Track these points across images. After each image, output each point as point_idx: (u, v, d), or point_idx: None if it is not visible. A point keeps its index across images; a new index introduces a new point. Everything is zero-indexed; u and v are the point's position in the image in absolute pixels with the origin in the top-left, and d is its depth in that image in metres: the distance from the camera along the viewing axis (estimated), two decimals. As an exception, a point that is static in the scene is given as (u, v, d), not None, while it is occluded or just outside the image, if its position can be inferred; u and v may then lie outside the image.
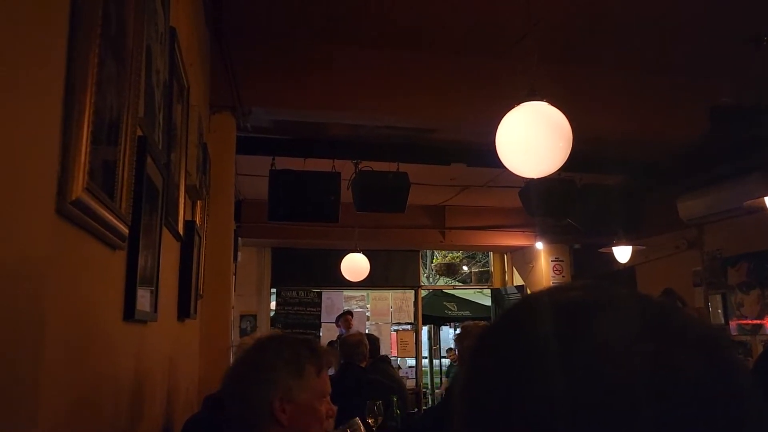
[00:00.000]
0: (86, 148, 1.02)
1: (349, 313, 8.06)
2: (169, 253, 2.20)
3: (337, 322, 8.10)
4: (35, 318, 0.90)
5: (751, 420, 0.40)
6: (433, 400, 9.77)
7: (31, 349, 0.88)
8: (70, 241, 1.08)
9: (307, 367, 1.45)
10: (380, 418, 3.35)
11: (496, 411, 0.43)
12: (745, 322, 5.56)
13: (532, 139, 2.39)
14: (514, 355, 0.44)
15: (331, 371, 5.03)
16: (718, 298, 5.90)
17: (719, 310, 5.87)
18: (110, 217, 1.25)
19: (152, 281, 1.77)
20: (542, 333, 0.43)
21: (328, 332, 8.60)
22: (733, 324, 5.70)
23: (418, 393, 9.14)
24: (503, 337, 0.48)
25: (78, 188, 1.01)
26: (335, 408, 1.50)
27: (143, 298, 1.64)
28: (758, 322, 5.44)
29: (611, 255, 5.87)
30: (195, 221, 2.82)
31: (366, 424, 2.81)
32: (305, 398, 1.43)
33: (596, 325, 0.43)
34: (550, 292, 0.48)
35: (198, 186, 2.75)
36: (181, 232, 2.40)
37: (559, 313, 0.45)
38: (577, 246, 8.42)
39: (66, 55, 0.99)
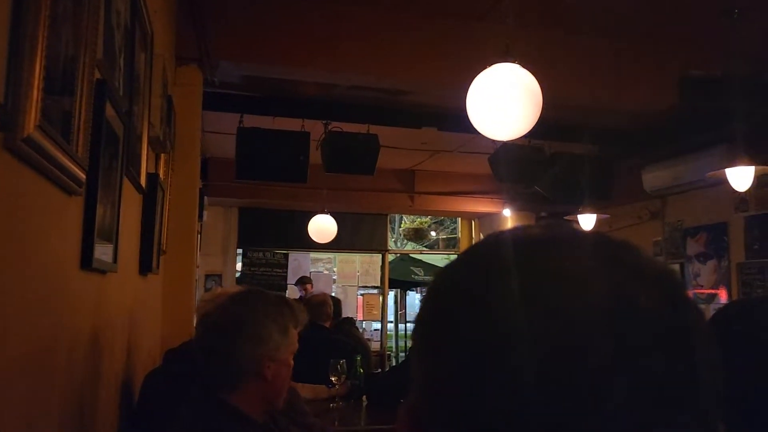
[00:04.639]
0: (38, 84, 0.98)
1: (309, 282, 8.02)
2: (131, 204, 2.15)
3: (296, 284, 8.13)
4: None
5: (701, 358, 0.41)
6: (397, 362, 9.92)
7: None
8: (21, 180, 1.03)
9: (289, 326, 1.52)
10: (343, 377, 3.40)
11: (449, 338, 0.43)
12: (700, 291, 5.74)
13: (503, 100, 2.37)
14: (472, 287, 0.44)
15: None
16: (677, 267, 6.06)
17: (677, 280, 6.04)
18: (66, 160, 1.20)
19: (112, 230, 1.73)
20: (501, 266, 0.43)
21: (295, 294, 8.60)
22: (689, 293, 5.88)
23: (382, 356, 9.26)
24: (461, 271, 0.48)
25: (30, 125, 0.97)
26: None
27: (102, 248, 1.60)
28: (713, 291, 5.62)
29: (576, 223, 5.95)
30: (158, 174, 2.76)
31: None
32: (285, 355, 1.51)
33: (554, 259, 0.43)
34: (511, 230, 0.48)
35: (162, 138, 2.68)
36: (143, 185, 2.34)
37: (519, 247, 0.45)
38: (543, 214, 8.52)
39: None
